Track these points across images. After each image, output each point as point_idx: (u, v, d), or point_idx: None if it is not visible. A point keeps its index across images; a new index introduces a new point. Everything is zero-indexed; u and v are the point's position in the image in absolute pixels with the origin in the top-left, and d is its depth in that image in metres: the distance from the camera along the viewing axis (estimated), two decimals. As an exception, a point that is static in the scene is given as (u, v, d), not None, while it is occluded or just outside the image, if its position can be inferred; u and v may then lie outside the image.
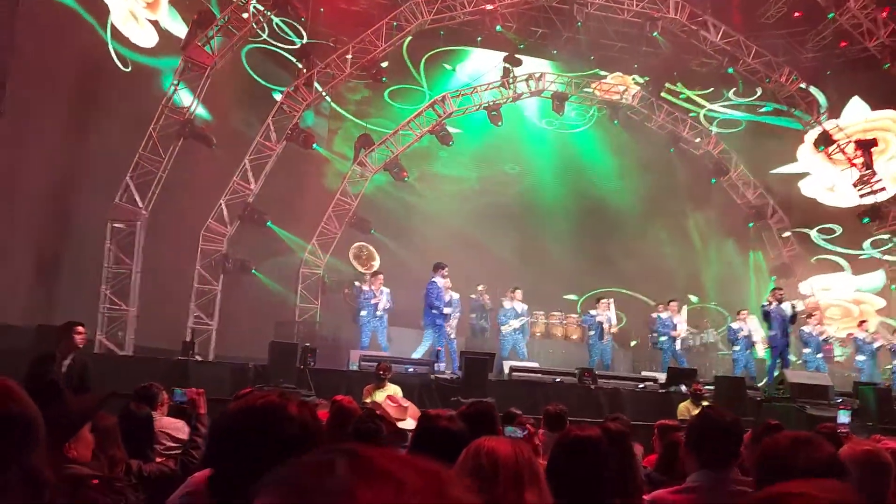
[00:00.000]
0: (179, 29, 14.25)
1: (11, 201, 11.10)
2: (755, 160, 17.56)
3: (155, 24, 14.15)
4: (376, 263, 15.22)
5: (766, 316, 12.00)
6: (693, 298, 16.62)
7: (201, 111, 13.77)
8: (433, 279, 11.69)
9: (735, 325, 13.11)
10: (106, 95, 12.68)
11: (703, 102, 18.99)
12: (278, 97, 15.39)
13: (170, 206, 13.19)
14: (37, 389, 3.59)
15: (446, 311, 11.61)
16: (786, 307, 11.81)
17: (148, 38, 13.96)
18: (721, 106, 18.93)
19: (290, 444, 1.44)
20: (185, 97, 13.41)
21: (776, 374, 11.16)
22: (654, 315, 13.90)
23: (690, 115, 18.52)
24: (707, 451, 2.54)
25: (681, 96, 18.87)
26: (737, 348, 12.95)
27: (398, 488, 0.50)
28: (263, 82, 16.39)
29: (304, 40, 16.38)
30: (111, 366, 9.35)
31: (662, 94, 17.82)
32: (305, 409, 1.53)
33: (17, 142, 11.01)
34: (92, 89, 12.85)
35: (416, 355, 11.35)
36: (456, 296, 12.81)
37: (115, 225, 12.67)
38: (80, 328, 6.36)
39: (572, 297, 15.83)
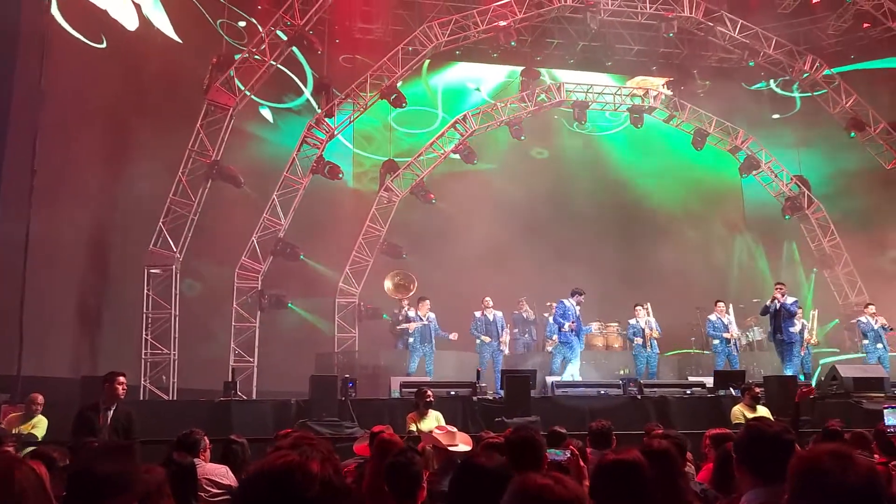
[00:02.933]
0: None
1: (51, 256, 11.38)
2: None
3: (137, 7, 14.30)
4: (412, 291, 15.17)
5: (765, 312, 12.08)
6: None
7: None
8: (563, 300, 12.21)
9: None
10: (136, 141, 12.97)
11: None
12: (266, 112, 15.69)
13: (203, 248, 13.38)
14: (79, 446, 3.59)
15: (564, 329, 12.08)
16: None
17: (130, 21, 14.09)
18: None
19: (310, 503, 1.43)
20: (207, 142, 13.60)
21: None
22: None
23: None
24: (759, 466, 2.43)
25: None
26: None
27: None
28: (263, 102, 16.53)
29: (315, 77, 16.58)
30: (155, 411, 9.46)
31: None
32: (328, 466, 1.51)
33: (52, 198, 11.28)
34: (121, 138, 13.18)
35: (567, 375, 11.68)
36: (499, 314, 12.91)
37: (152, 271, 12.89)
38: (121, 378, 6.42)
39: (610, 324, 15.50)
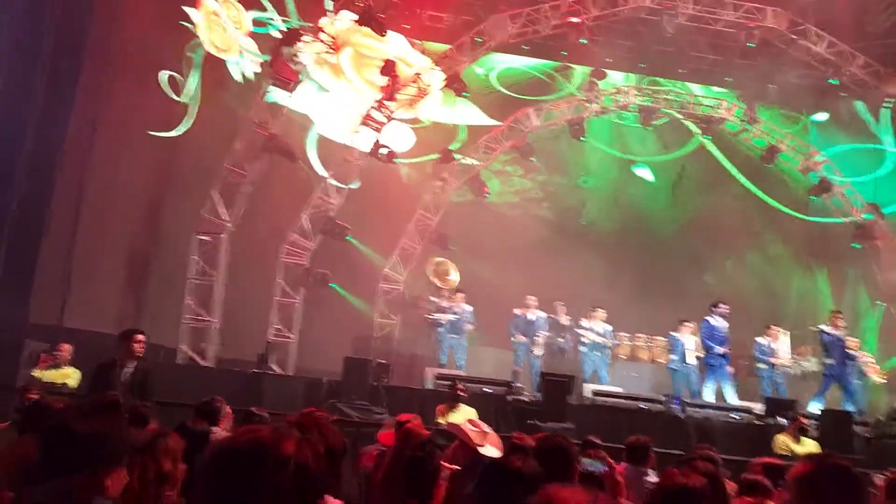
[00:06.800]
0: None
1: (104, 213, 11.54)
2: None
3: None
4: (452, 277, 14.93)
5: (824, 343, 11.46)
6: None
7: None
8: (707, 317, 11.56)
9: None
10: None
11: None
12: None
13: (254, 219, 13.41)
14: (96, 405, 3.47)
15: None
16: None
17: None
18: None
19: (279, 490, 1.20)
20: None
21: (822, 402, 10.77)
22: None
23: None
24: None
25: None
26: None
27: None
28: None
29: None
30: (189, 377, 9.48)
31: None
32: (305, 449, 1.27)
33: (112, 155, 11.43)
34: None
35: (707, 395, 11.20)
36: (542, 314, 12.80)
37: (201, 237, 12.96)
38: (139, 336, 6.38)
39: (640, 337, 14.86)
